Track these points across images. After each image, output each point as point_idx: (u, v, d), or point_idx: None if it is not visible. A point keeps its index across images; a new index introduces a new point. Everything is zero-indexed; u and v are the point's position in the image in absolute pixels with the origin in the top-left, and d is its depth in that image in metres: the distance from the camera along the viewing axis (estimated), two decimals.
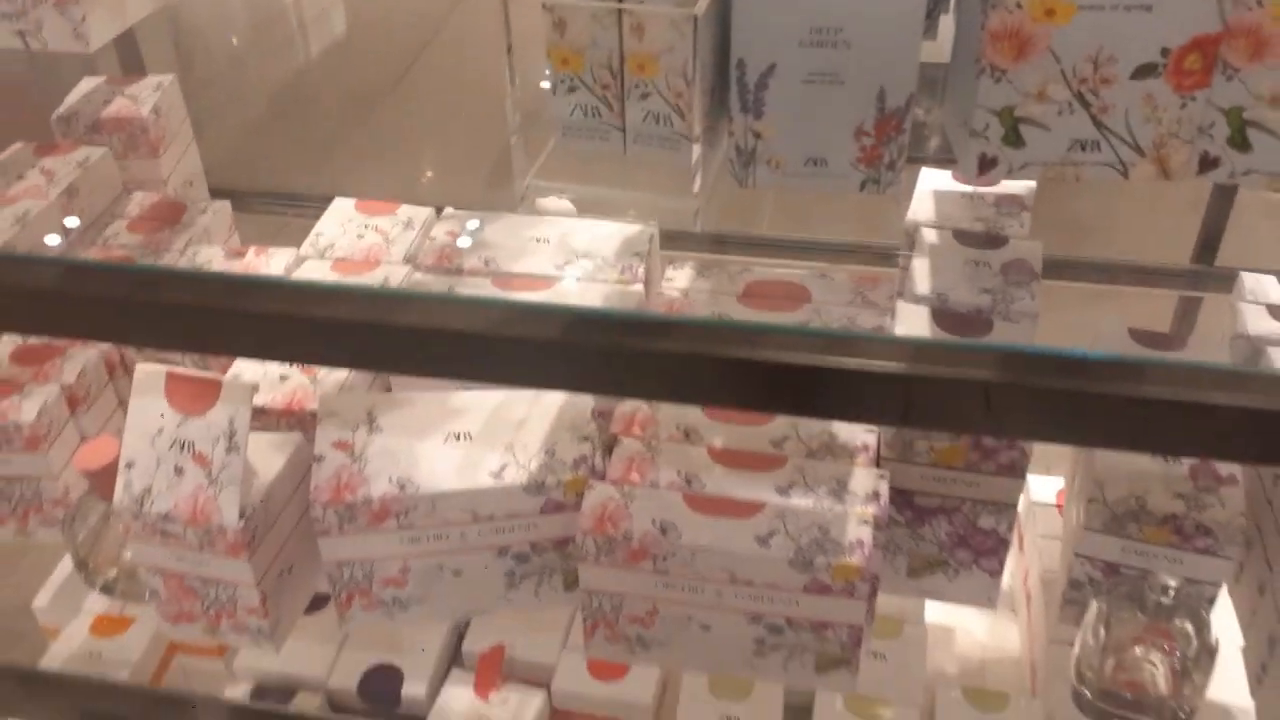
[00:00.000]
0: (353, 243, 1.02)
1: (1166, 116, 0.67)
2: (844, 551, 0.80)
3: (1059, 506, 1.09)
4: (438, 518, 0.87)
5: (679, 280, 0.95)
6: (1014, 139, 0.68)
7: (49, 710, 1.04)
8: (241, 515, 0.84)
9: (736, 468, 0.87)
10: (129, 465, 0.87)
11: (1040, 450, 0.91)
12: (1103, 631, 0.89)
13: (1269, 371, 0.85)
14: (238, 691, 1.09)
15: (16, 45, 0.87)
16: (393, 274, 0.98)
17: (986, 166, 0.69)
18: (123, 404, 1.12)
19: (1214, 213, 1.25)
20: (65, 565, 1.17)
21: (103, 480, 0.91)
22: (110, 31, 0.89)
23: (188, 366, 0.99)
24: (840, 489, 0.85)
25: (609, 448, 0.90)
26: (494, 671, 1.06)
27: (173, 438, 0.86)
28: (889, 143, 0.73)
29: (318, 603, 1.03)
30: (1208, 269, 1.24)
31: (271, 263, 1.07)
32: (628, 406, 0.93)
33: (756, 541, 0.81)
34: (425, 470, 0.87)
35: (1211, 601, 0.89)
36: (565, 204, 0.96)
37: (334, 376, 0.99)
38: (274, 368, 1.00)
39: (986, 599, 0.95)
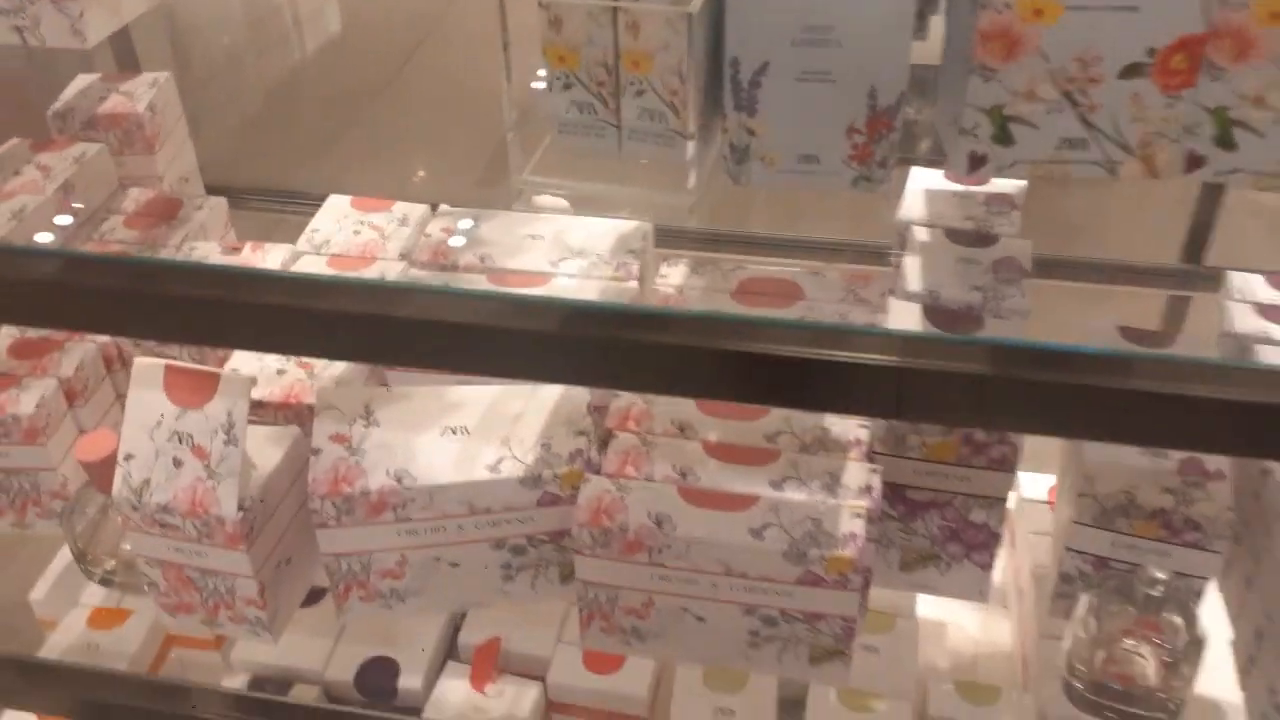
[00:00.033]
0: (348, 239, 1.02)
1: (1153, 115, 0.68)
2: (837, 544, 0.81)
3: (1050, 502, 1.10)
4: (435, 510, 0.87)
5: (673, 277, 0.96)
6: (1003, 137, 0.69)
7: (48, 700, 1.05)
8: (240, 507, 0.85)
9: (731, 462, 0.88)
10: (127, 458, 0.88)
11: (1031, 449, 0.92)
12: (1093, 624, 0.90)
13: (1252, 364, 0.86)
14: (235, 684, 1.09)
15: (14, 41, 0.87)
16: (388, 270, 0.99)
17: (976, 164, 0.70)
18: (120, 397, 1.12)
19: (1202, 212, 1.26)
20: (62, 558, 1.17)
21: (101, 473, 0.92)
22: (108, 28, 0.89)
23: (184, 360, 1.00)
24: (833, 483, 0.85)
25: (604, 442, 0.91)
26: (490, 664, 1.07)
27: (171, 430, 0.86)
28: (880, 140, 0.74)
29: (313, 596, 1.04)
30: (1196, 268, 1.25)
31: (267, 259, 1.08)
32: (623, 401, 0.94)
33: (751, 534, 0.82)
34: (422, 463, 0.87)
35: (1200, 595, 0.91)
36: (560, 201, 0.97)
37: (331, 371, 1.00)
38: (271, 362, 1.00)
39: (978, 593, 0.96)
